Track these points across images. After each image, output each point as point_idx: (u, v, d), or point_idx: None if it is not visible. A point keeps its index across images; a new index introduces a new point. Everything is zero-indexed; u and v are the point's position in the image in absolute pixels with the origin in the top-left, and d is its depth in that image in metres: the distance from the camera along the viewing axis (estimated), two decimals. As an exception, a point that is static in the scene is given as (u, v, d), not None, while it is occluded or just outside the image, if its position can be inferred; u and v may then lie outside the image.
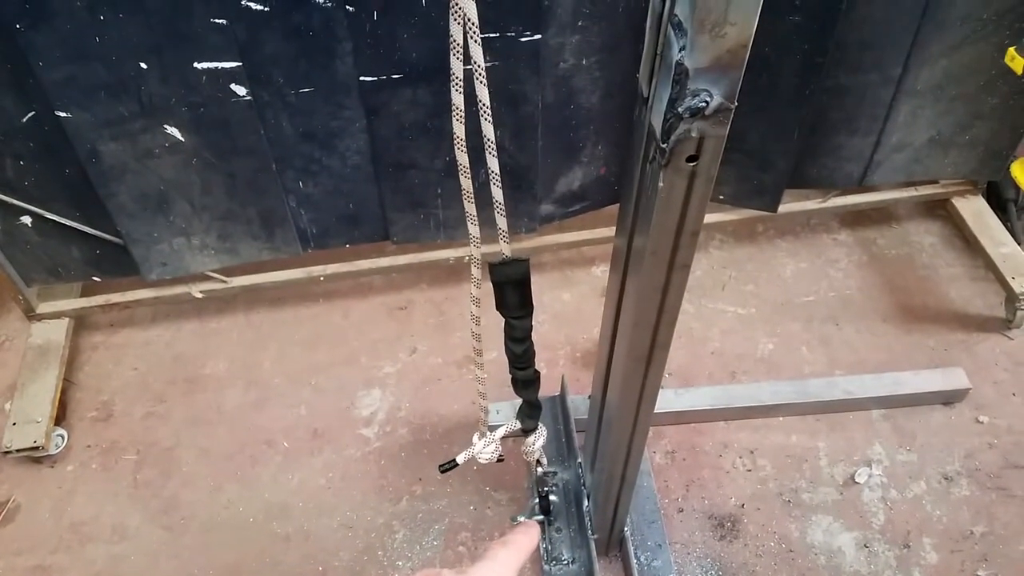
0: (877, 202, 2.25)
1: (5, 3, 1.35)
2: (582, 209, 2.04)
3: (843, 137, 1.94)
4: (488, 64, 1.60)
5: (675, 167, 0.72)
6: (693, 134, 0.69)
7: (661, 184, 0.74)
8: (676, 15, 0.77)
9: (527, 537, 0.79)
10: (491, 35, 1.55)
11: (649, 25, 0.85)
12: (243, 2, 1.43)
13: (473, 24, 0.70)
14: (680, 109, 0.67)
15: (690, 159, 0.72)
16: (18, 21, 1.37)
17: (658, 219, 0.78)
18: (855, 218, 2.40)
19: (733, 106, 0.68)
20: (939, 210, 2.39)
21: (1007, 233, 2.17)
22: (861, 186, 2.09)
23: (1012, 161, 1.75)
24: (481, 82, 0.77)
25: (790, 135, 1.85)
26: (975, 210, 2.26)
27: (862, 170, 2.02)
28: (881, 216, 2.41)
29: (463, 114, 0.80)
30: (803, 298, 2.20)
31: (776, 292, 2.22)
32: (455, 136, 0.80)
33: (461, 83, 0.75)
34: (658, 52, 0.83)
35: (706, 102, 0.67)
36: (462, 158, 0.82)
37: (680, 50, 0.72)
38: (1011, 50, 1.47)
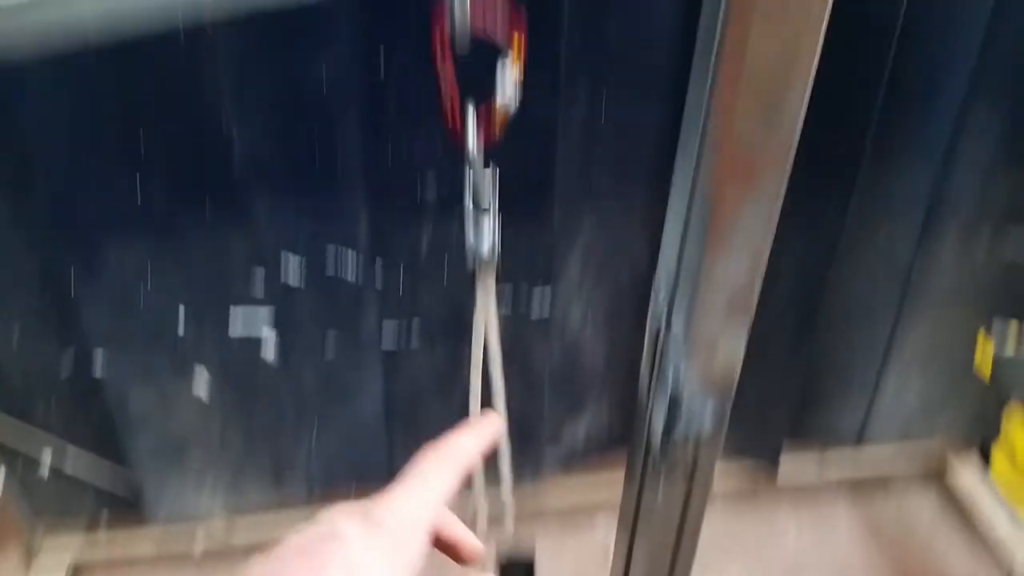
0: (875, 468, 2.26)
1: (58, 259, 1.49)
2: (585, 460, 2.08)
3: (837, 396, 2.02)
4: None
5: (670, 480, 0.78)
6: (689, 451, 0.76)
7: (660, 497, 0.80)
8: (672, 328, 0.87)
9: (477, 438, 0.57)
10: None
11: (649, 327, 0.94)
12: (281, 258, 1.55)
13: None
14: (675, 430, 0.74)
15: (686, 471, 0.78)
16: (68, 274, 1.50)
17: (656, 521, 0.83)
18: (853, 486, 2.37)
19: (725, 427, 0.75)
20: (937, 477, 2.37)
21: (1003, 508, 2.15)
22: (858, 443, 2.13)
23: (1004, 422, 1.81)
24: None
25: (786, 393, 1.94)
26: (969, 483, 2.25)
27: (857, 427, 2.09)
28: (879, 484, 2.38)
29: (480, 398, 0.88)
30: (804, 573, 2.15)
31: (777, 563, 2.17)
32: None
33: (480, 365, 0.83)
34: (656, 351, 0.91)
35: (701, 423, 0.74)
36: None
37: (675, 369, 0.81)
38: (979, 335, 1.57)
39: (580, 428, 2.01)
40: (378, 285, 1.63)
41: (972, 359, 1.97)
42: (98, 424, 1.72)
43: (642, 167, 1.60)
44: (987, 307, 1.88)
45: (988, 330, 1.59)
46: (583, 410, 1.98)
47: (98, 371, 1.62)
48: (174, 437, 1.76)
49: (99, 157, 1.38)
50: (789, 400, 1.96)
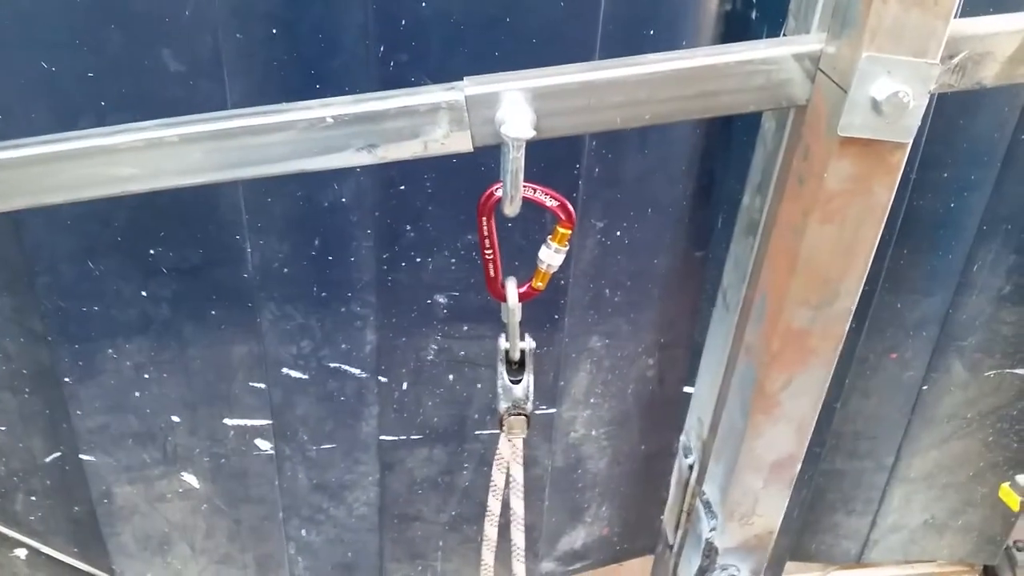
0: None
1: (59, 361, 1.44)
2: (583, 568, 2.02)
3: (841, 516, 1.99)
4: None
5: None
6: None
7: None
8: (705, 493, 0.83)
9: None
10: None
11: (675, 481, 0.91)
12: (284, 370, 1.53)
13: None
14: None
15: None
16: (68, 375, 1.46)
17: None
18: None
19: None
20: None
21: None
22: (859, 563, 2.09)
23: (1005, 547, 1.78)
24: (517, 462, 0.82)
25: (790, 513, 1.89)
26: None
27: (859, 548, 2.05)
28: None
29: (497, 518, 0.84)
30: None
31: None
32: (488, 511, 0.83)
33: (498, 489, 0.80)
34: (684, 510, 0.88)
35: (739, 588, 0.71)
36: (491, 532, 0.85)
37: (711, 530, 0.77)
38: (1004, 487, 1.56)
39: (578, 539, 1.96)
40: (378, 402, 1.61)
41: (977, 481, 1.95)
42: (80, 522, 1.65)
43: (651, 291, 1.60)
44: (995, 431, 1.87)
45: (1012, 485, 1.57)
46: (582, 519, 1.93)
47: (83, 471, 1.56)
48: (156, 533, 1.69)
49: (108, 262, 1.35)
50: (792, 521, 1.92)
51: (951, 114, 1.44)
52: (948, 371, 1.79)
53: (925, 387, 1.79)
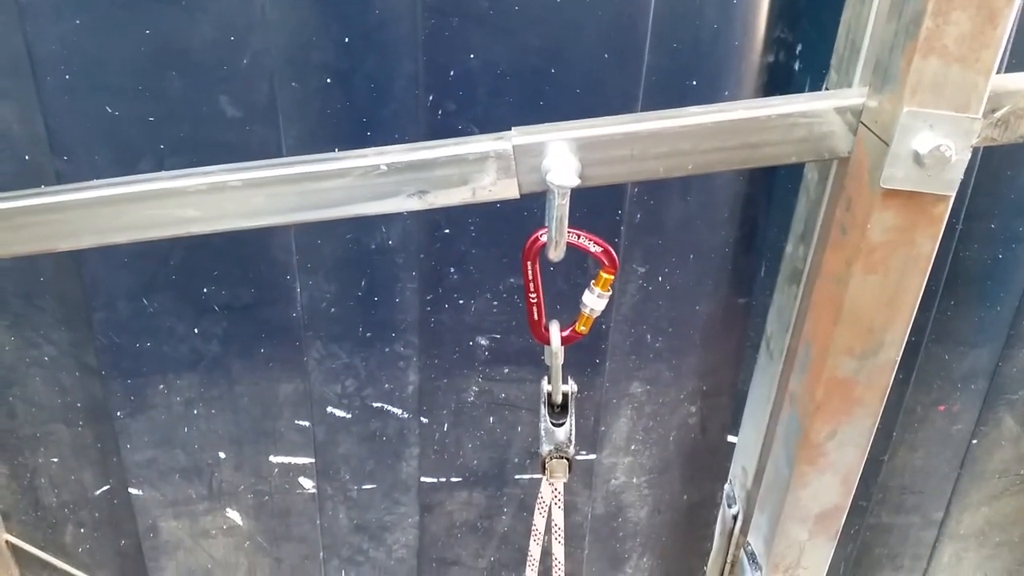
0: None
1: (112, 395, 1.48)
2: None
3: (888, 572, 1.93)
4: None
5: None
6: None
7: None
8: (750, 544, 0.83)
9: None
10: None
11: (719, 531, 0.90)
12: (328, 408, 1.55)
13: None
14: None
15: None
16: (120, 409, 1.50)
17: None
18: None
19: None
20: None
21: None
22: (909, 622, 2.03)
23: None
24: (558, 506, 0.82)
25: (836, 567, 1.85)
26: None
27: (909, 606, 1.99)
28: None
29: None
30: None
31: None
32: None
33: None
34: (728, 561, 0.87)
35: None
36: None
37: (755, 580, 0.76)
38: None
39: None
40: (419, 443, 1.62)
41: (1030, 540, 1.89)
42: (126, 555, 1.68)
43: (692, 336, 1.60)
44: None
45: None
46: (623, 569, 1.91)
47: (131, 504, 1.59)
48: (199, 569, 1.71)
49: (163, 299, 1.40)
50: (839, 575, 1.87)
51: (997, 165, 1.43)
52: (998, 425, 1.75)
53: (975, 441, 1.75)
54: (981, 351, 1.65)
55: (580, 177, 0.82)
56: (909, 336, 1.55)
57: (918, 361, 1.61)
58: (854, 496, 1.75)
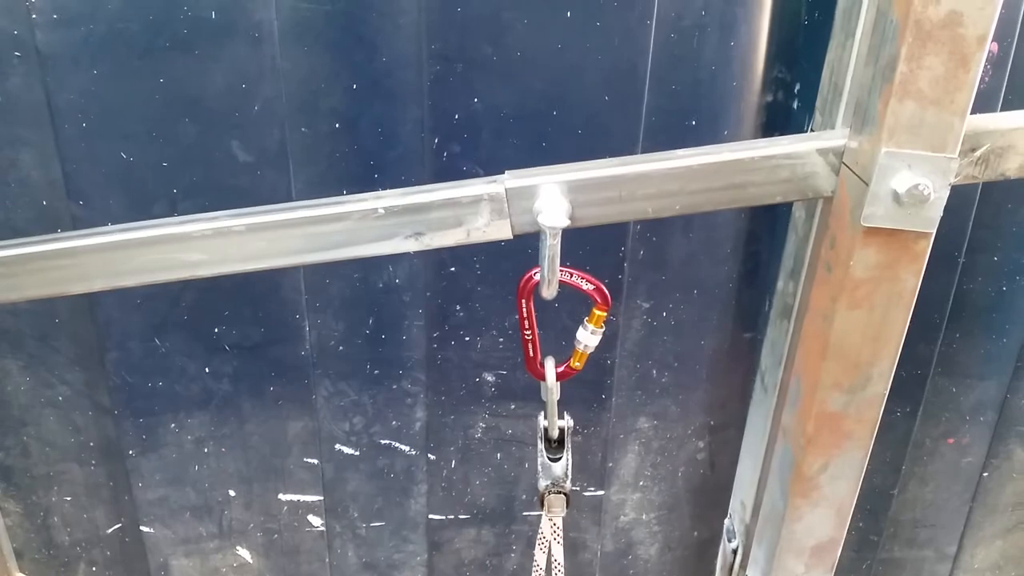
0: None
1: (124, 434, 1.51)
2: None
3: (903, 609, 1.91)
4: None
5: None
6: None
7: None
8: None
9: None
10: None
11: (720, 565, 0.90)
12: (336, 446, 1.57)
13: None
14: None
15: None
16: (132, 448, 1.52)
17: None
18: None
19: None
20: None
21: None
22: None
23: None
24: (558, 541, 0.83)
25: (849, 604, 1.83)
26: None
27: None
28: None
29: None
30: None
31: None
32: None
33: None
34: (728, 595, 0.87)
35: None
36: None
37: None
38: None
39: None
40: (427, 480, 1.64)
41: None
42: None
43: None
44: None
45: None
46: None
47: (143, 543, 1.61)
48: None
49: (174, 340, 1.43)
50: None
51: (999, 199, 1.44)
52: (1009, 457, 1.73)
53: (986, 473, 1.74)
54: (989, 383, 1.64)
55: (570, 218, 0.85)
56: (915, 369, 1.56)
57: (925, 394, 1.61)
58: (865, 530, 1.74)
